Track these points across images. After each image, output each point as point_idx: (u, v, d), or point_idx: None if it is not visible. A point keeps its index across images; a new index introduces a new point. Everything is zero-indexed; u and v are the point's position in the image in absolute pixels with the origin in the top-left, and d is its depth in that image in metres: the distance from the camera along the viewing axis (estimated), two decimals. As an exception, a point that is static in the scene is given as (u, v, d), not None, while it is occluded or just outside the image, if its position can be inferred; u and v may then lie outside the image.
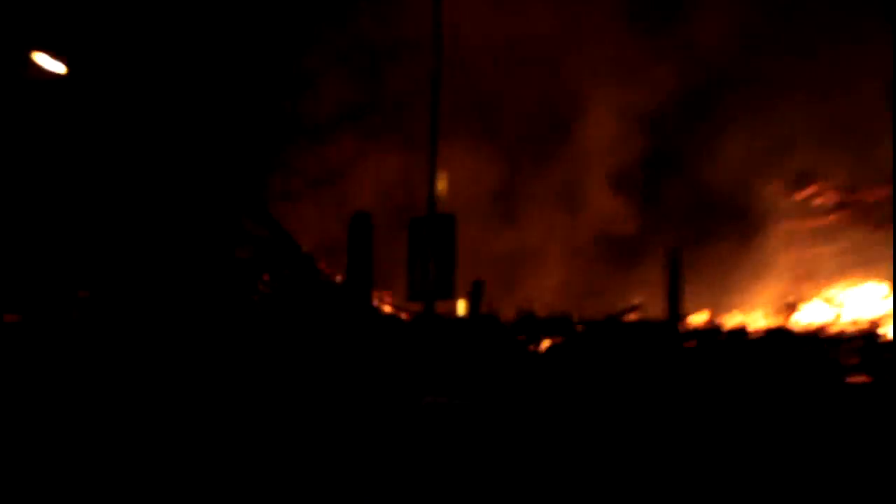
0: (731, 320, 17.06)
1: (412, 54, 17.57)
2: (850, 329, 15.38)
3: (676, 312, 14.94)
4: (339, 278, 16.74)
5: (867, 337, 14.81)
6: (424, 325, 14.29)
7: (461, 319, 16.00)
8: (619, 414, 12.82)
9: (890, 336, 14.59)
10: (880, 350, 14.00)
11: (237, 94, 18.28)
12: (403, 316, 16.23)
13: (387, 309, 16.41)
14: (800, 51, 18.68)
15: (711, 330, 15.73)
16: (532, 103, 19.51)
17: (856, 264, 18.03)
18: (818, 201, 18.85)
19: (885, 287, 17.21)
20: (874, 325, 15.55)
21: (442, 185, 14.70)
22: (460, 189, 15.85)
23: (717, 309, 17.42)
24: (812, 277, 18.41)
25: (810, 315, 17.46)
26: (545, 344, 14.86)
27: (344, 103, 19.14)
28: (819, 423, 12.22)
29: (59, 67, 16.53)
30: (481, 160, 18.68)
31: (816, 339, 14.78)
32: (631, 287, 17.64)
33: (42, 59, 16.50)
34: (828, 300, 17.92)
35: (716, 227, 19.03)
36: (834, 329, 15.64)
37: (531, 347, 14.80)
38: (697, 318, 16.73)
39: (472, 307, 16.10)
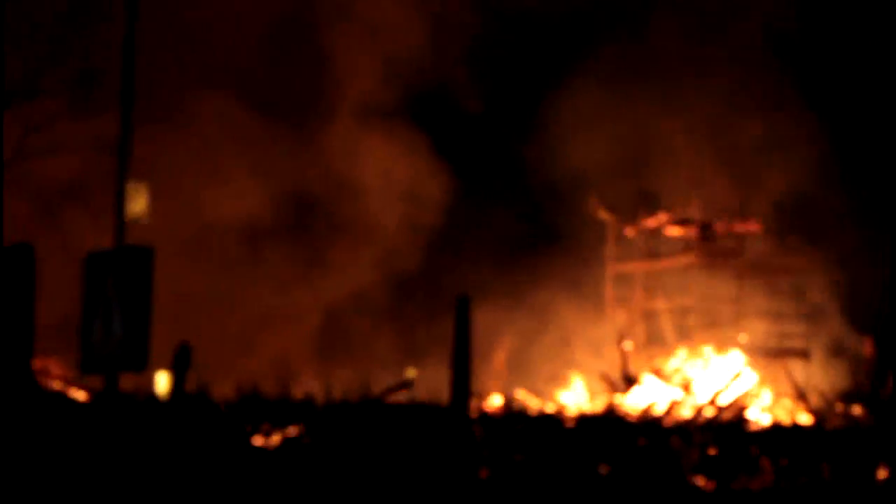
0: (541, 402, 15.89)
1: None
2: (705, 414, 14.36)
3: (465, 389, 13.03)
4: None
5: (727, 427, 13.55)
6: (103, 411, 12.97)
7: (157, 401, 14.13)
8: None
9: (761, 423, 13.58)
10: (744, 443, 12.75)
11: None
12: (78, 395, 14.67)
13: (54, 385, 14.97)
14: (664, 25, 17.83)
15: (512, 415, 14.15)
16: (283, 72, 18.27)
17: (711, 324, 17.54)
18: (665, 235, 18.28)
19: (740, 357, 16.98)
20: (737, 409, 14.57)
21: (139, 201, 13.37)
22: (172, 208, 15.06)
23: (523, 381, 16.53)
24: (653, 341, 17.83)
25: (648, 394, 16.24)
26: (275, 438, 13.30)
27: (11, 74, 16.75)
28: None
29: None
30: (202, 162, 17.41)
31: (656, 429, 13.45)
32: (415, 346, 16.99)
33: None
34: (672, 374, 16.98)
35: (525, 264, 17.91)
36: (680, 414, 14.53)
37: (257, 441, 13.21)
38: (494, 399, 15.72)
39: (176, 382, 14.06)
